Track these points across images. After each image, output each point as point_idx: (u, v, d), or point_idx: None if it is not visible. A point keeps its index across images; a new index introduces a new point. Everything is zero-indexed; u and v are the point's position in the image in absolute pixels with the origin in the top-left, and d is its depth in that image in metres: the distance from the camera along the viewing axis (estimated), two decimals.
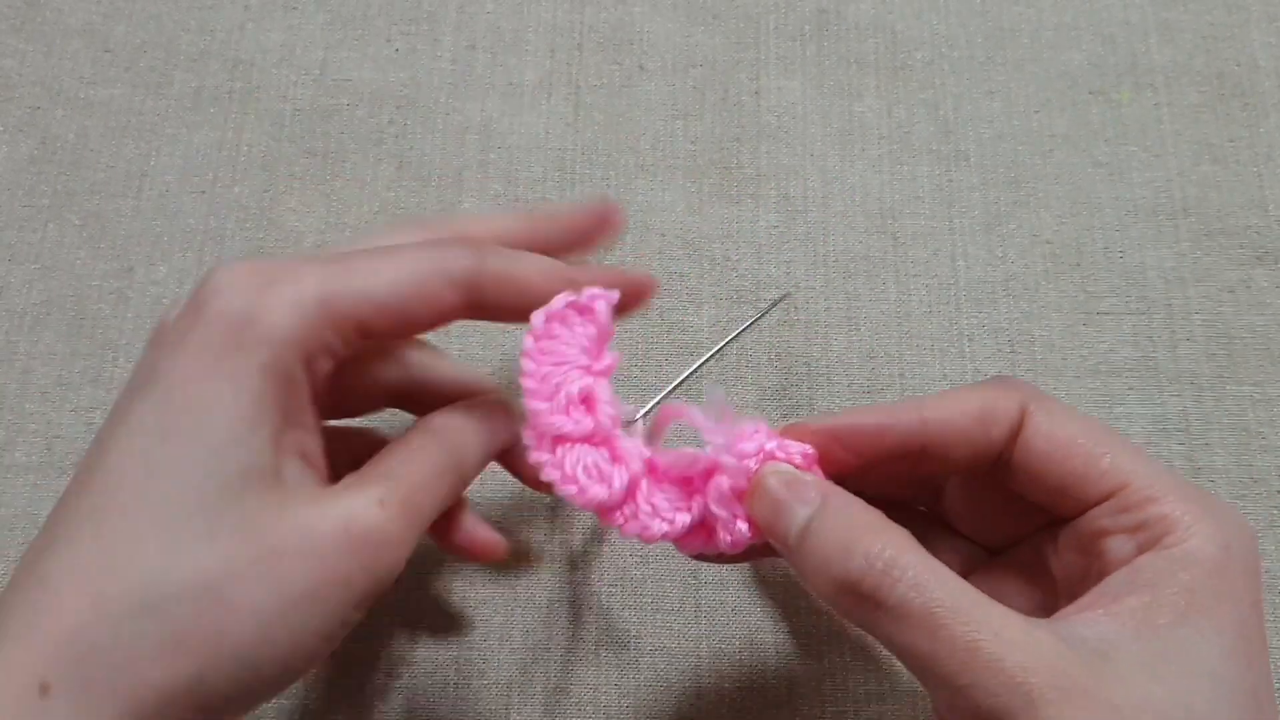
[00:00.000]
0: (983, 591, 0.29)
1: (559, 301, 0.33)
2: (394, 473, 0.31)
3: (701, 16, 0.56)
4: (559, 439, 0.32)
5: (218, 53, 0.55)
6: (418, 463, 0.32)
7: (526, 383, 0.33)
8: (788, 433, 0.33)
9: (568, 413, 0.32)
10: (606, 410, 0.33)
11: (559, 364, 0.33)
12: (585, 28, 0.55)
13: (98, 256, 0.51)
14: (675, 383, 0.44)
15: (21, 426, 0.48)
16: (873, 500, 0.31)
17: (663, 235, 0.51)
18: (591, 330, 0.33)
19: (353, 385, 0.35)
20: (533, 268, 0.33)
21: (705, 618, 0.44)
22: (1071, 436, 0.31)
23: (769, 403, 0.48)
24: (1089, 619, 0.28)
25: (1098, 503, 0.30)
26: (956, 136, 0.53)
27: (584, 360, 0.33)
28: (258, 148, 0.53)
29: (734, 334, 0.46)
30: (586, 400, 0.33)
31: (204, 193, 0.52)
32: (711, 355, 0.45)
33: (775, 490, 0.32)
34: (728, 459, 0.32)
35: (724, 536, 0.33)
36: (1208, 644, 0.27)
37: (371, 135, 0.53)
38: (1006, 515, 0.35)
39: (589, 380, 0.33)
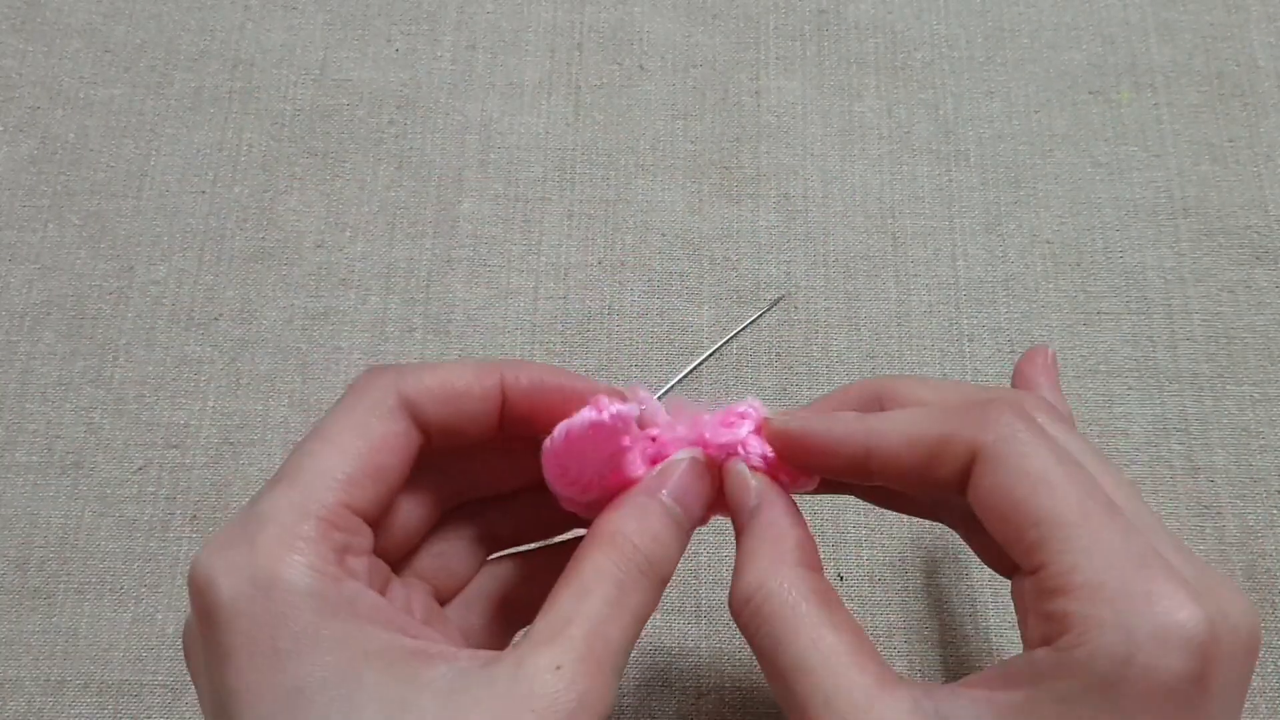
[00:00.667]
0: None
1: (582, 420, 0.30)
2: (566, 615, 0.27)
3: (701, 16, 0.56)
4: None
5: (218, 53, 0.55)
6: (595, 594, 0.28)
7: (547, 474, 0.31)
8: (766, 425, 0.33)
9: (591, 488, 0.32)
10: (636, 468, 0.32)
11: (580, 464, 0.31)
12: (585, 28, 0.55)
13: (98, 256, 0.51)
14: (671, 383, 0.44)
15: (21, 426, 0.48)
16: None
17: (663, 235, 0.51)
18: (615, 442, 0.31)
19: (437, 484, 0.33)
20: (462, 370, 0.31)
21: (705, 618, 0.44)
22: (1009, 498, 0.27)
23: (769, 403, 0.48)
24: (972, 699, 0.26)
25: (1029, 573, 0.27)
26: (956, 136, 0.53)
27: (600, 466, 0.32)
28: (258, 148, 0.53)
29: (730, 335, 0.46)
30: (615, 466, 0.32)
31: (204, 193, 0.52)
32: (708, 356, 0.45)
33: (729, 485, 0.32)
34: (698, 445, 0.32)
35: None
36: None
37: (371, 135, 0.53)
38: (991, 545, 0.32)
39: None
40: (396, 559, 0.32)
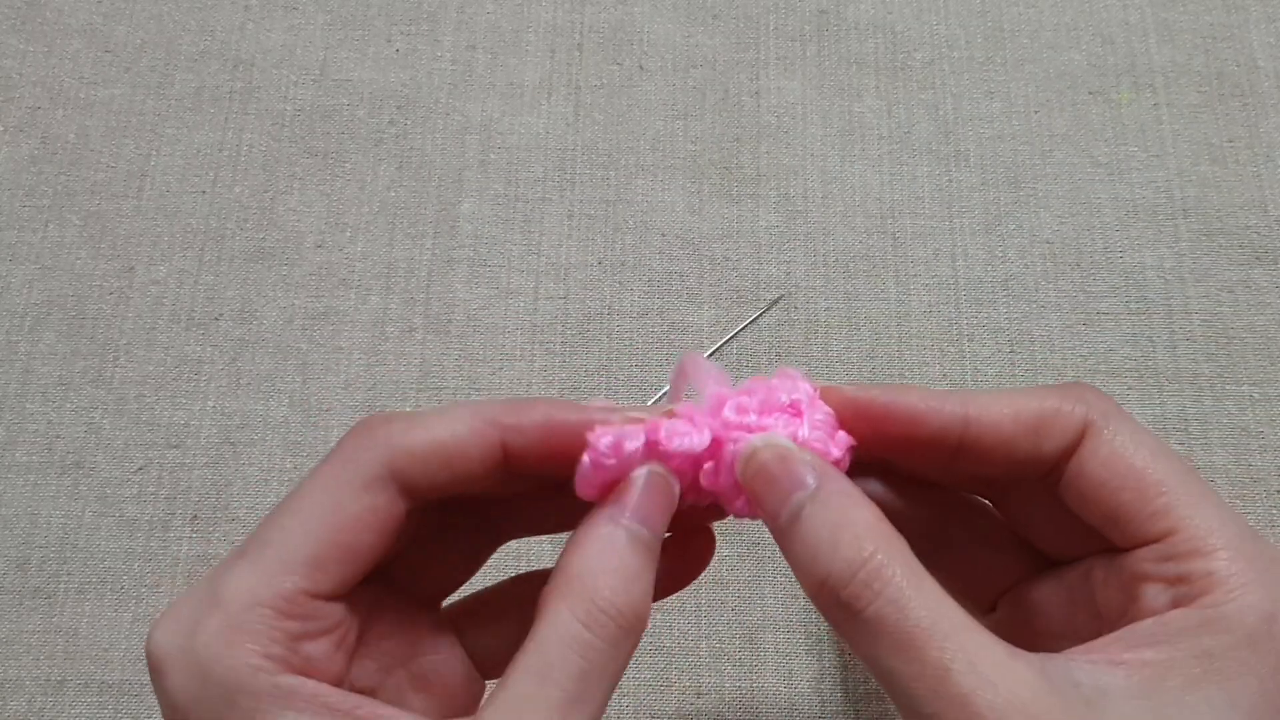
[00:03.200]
0: (1029, 605, 0.27)
1: (584, 468, 0.29)
2: (522, 698, 0.26)
3: (701, 17, 0.56)
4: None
5: (218, 53, 0.55)
6: (557, 676, 0.26)
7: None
8: (829, 399, 0.31)
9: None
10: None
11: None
12: (585, 28, 0.55)
13: (98, 256, 0.51)
14: (662, 392, 0.44)
15: (21, 426, 0.48)
16: (919, 482, 0.30)
17: (663, 235, 0.51)
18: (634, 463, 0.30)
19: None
20: (455, 425, 0.29)
21: (705, 618, 0.44)
22: (1129, 466, 0.28)
23: None
24: (1093, 664, 0.26)
25: (1145, 543, 0.28)
26: (956, 136, 0.53)
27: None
28: (258, 148, 0.53)
29: (728, 336, 0.46)
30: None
31: (204, 193, 0.52)
32: (709, 356, 0.45)
33: (769, 465, 0.29)
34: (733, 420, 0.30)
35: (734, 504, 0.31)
36: (1216, 717, 0.25)
37: (371, 135, 0.53)
38: (1064, 529, 0.31)
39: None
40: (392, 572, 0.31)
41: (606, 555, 0.28)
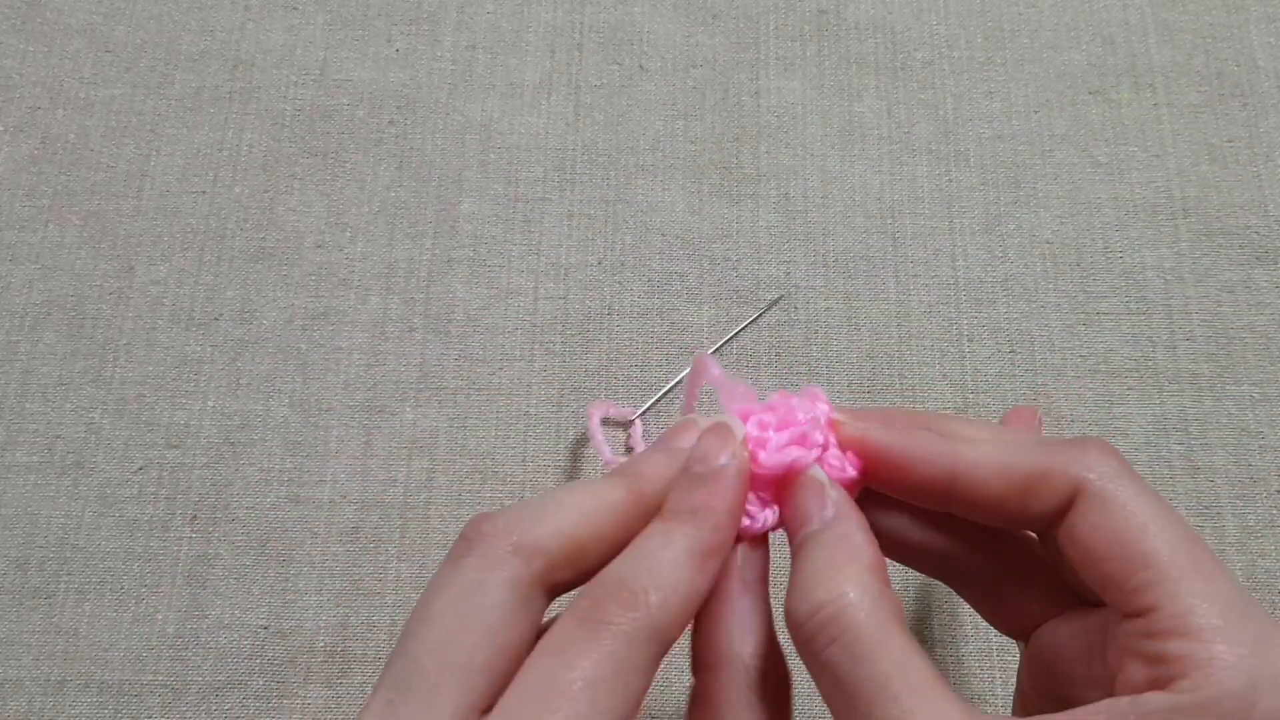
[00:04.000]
0: (1053, 645, 0.27)
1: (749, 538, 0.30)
2: None
3: (701, 16, 0.56)
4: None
5: (218, 53, 0.55)
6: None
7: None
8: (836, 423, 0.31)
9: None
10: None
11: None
12: (585, 28, 0.55)
13: (98, 256, 0.51)
14: (669, 386, 0.44)
15: (21, 426, 0.48)
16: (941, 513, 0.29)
17: (663, 235, 0.51)
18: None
19: None
20: (585, 516, 0.28)
21: None
22: (1115, 537, 0.27)
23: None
24: None
25: (1130, 616, 0.27)
26: (956, 136, 0.53)
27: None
28: (258, 148, 0.53)
29: (728, 336, 0.46)
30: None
31: (204, 193, 0.52)
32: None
33: (804, 487, 0.29)
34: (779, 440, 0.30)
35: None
36: None
37: (371, 135, 0.53)
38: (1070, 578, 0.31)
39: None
40: None
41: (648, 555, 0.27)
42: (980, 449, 0.28)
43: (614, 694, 0.25)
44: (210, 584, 0.45)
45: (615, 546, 0.28)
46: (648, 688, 0.26)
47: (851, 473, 0.30)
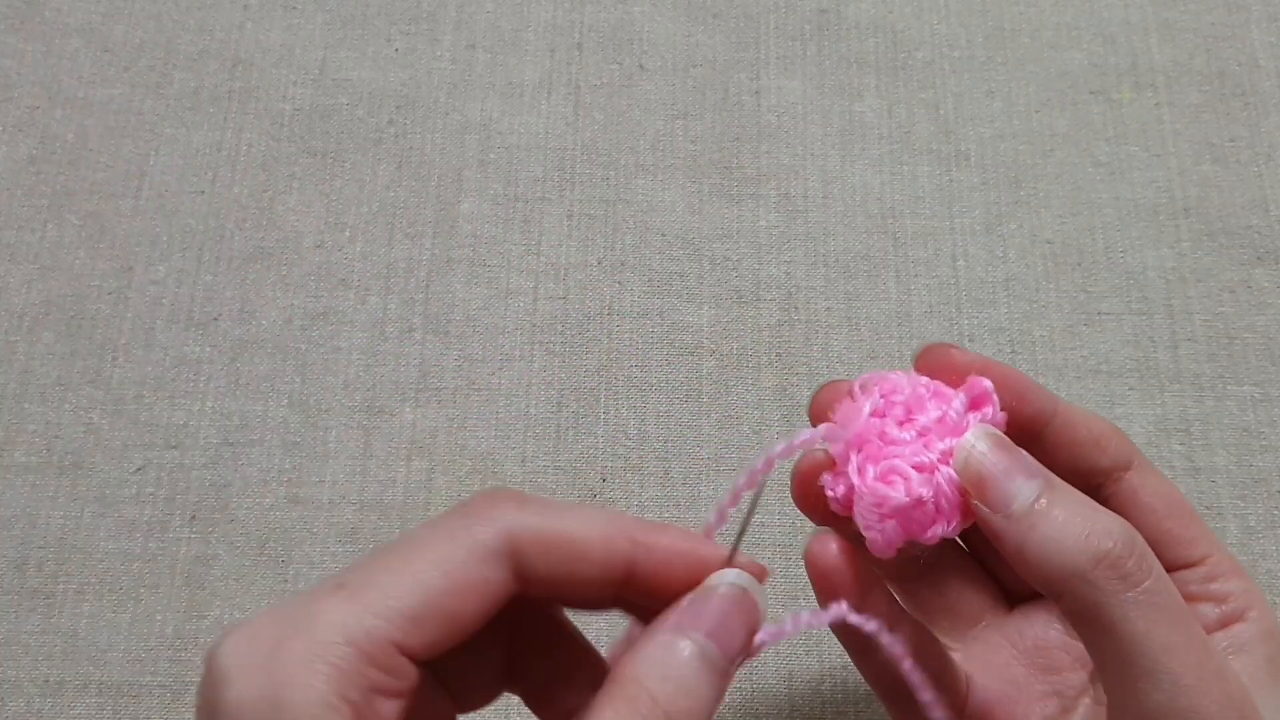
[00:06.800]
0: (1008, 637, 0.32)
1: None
2: None
3: (701, 16, 0.55)
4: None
5: (217, 52, 0.55)
6: None
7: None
8: (930, 360, 0.32)
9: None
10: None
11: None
12: (585, 27, 0.55)
13: (97, 256, 0.51)
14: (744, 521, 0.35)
15: (20, 427, 0.48)
16: None
17: (663, 235, 0.51)
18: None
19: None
20: (587, 525, 0.27)
21: None
22: (1172, 497, 0.32)
23: (769, 403, 0.48)
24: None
25: (1187, 566, 0.32)
26: (957, 136, 0.53)
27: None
28: (257, 148, 0.53)
29: (747, 511, 0.33)
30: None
31: (203, 193, 0.52)
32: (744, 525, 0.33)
33: (997, 450, 0.29)
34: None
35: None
36: None
37: (371, 135, 0.53)
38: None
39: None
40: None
41: (665, 662, 0.26)
42: (1064, 402, 0.32)
43: None
44: (209, 585, 0.45)
45: (595, 572, 0.28)
46: None
47: (1003, 415, 0.31)
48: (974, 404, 0.30)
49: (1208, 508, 0.46)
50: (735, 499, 0.31)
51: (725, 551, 0.28)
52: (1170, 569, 0.30)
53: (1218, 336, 0.49)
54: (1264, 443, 0.47)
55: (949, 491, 0.29)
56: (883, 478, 0.29)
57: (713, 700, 0.26)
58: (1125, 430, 0.46)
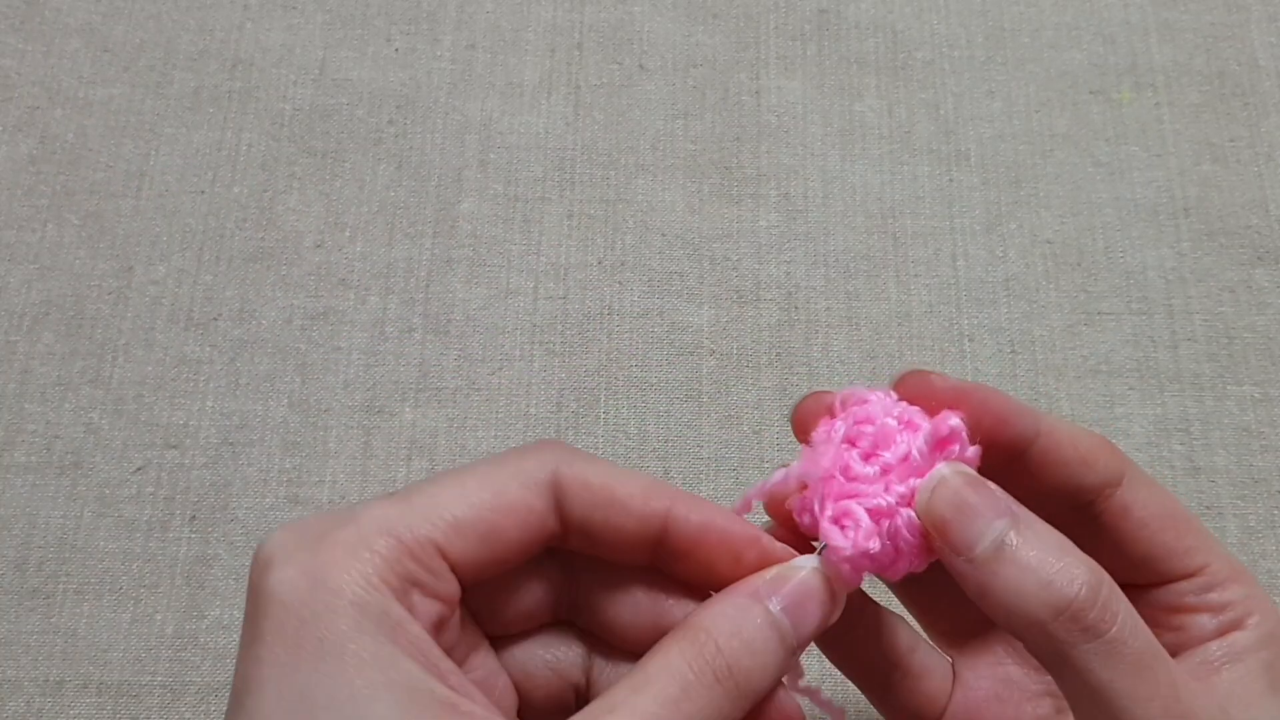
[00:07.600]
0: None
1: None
2: (612, 705, 0.25)
3: (701, 16, 0.56)
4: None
5: (217, 52, 0.55)
6: (652, 689, 0.25)
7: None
8: (908, 387, 0.30)
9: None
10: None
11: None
12: (585, 27, 0.55)
13: (97, 256, 0.51)
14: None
15: (20, 427, 0.48)
16: None
17: (663, 235, 0.51)
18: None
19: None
20: (630, 481, 0.28)
21: None
22: (1165, 508, 0.31)
23: (769, 403, 0.48)
24: (1197, 684, 0.28)
25: (1183, 578, 0.30)
26: (957, 136, 0.53)
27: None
28: (257, 147, 0.53)
29: None
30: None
31: (203, 193, 0.52)
32: None
33: (961, 491, 0.28)
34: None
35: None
36: None
37: (371, 135, 0.53)
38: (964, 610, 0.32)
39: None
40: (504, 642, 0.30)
41: (737, 620, 0.26)
42: (1049, 416, 0.31)
43: None
44: (209, 584, 0.45)
45: (633, 527, 0.28)
46: None
47: (975, 449, 0.29)
48: (941, 443, 0.29)
49: (1208, 508, 0.46)
50: None
51: (756, 531, 0.29)
52: (1167, 581, 0.30)
53: (1218, 336, 0.49)
54: (1264, 443, 0.47)
55: (908, 536, 0.28)
56: (837, 520, 0.28)
57: (774, 671, 0.26)
58: (1125, 431, 0.47)
